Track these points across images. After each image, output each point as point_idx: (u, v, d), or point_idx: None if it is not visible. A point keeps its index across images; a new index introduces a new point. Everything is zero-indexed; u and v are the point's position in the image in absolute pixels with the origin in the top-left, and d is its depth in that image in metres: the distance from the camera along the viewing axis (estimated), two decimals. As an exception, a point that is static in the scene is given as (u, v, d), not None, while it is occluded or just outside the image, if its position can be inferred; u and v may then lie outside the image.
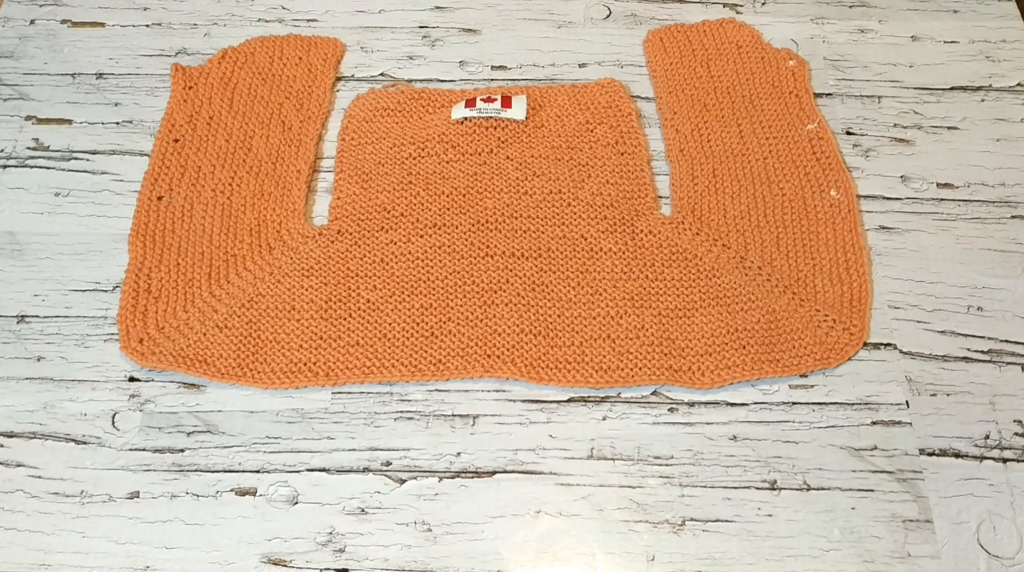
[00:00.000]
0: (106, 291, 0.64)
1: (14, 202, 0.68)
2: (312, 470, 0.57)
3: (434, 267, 0.64)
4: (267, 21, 0.80)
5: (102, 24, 0.79)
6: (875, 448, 0.57)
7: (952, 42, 0.77)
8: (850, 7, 0.80)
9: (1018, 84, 0.75)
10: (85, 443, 0.58)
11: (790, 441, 0.58)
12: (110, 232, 0.67)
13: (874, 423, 0.58)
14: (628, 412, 0.59)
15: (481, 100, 0.71)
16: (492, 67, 0.77)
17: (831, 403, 0.59)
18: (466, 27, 0.79)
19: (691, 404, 0.59)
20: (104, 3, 0.81)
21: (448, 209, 0.67)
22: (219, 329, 0.61)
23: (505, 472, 0.57)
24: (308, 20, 0.80)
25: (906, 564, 0.53)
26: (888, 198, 0.68)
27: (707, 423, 0.59)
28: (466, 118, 0.71)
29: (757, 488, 0.56)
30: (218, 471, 0.57)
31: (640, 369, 0.60)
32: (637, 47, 0.78)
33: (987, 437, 0.58)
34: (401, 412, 0.59)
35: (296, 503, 0.56)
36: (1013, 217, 0.67)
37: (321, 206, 0.69)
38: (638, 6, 0.81)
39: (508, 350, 0.60)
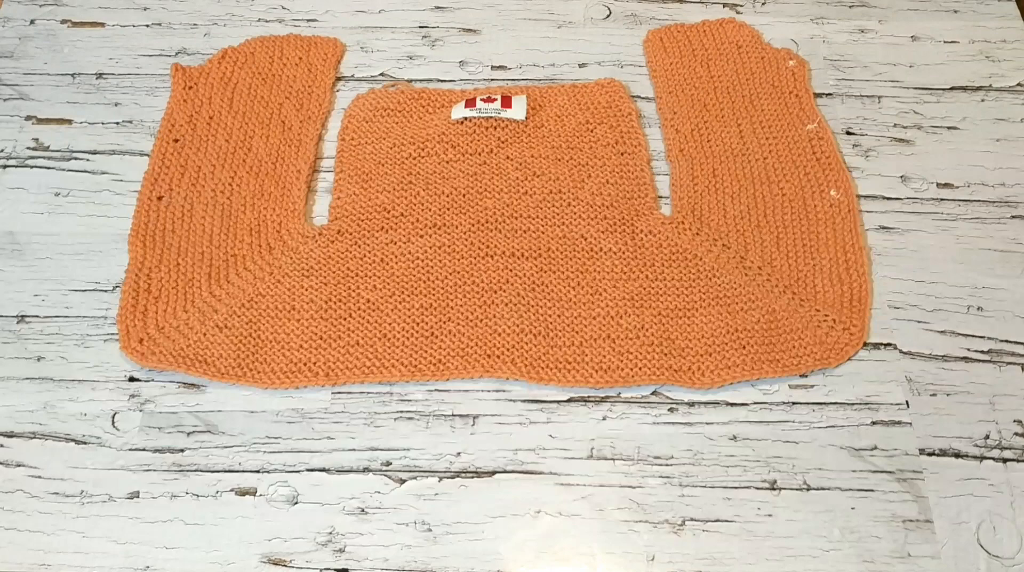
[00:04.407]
0: (106, 291, 0.64)
1: (14, 202, 0.68)
2: (312, 470, 0.57)
3: (434, 267, 0.64)
4: (267, 21, 0.80)
5: (102, 24, 0.79)
6: (875, 448, 0.57)
7: (952, 42, 0.77)
8: (850, 7, 0.80)
9: (1018, 84, 0.75)
10: (85, 443, 0.58)
11: (790, 441, 0.58)
12: (110, 232, 0.67)
13: (874, 423, 0.58)
14: (628, 412, 0.59)
15: (481, 100, 0.71)
16: (492, 67, 0.77)
17: (831, 403, 0.59)
18: (466, 27, 0.79)
19: (691, 404, 0.59)
20: (104, 3, 0.81)
21: (448, 209, 0.67)
22: (219, 329, 0.61)
23: (505, 472, 0.57)
24: (308, 20, 0.80)
25: (906, 564, 0.53)
26: (888, 198, 0.68)
27: (707, 423, 0.59)
28: (466, 118, 0.71)
29: (757, 488, 0.56)
30: (218, 471, 0.57)
31: (640, 369, 0.60)
32: (637, 47, 0.78)
33: (987, 437, 0.58)
34: (401, 412, 0.59)
35: (296, 503, 0.56)
36: (1013, 217, 0.67)
37: (321, 206, 0.69)
38: (638, 6, 0.81)
39: (508, 350, 0.60)
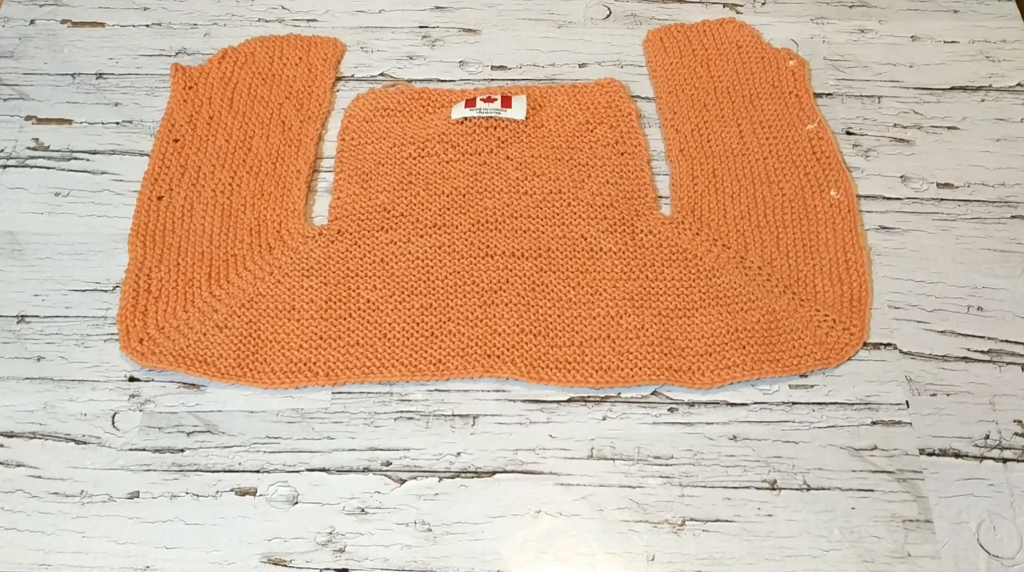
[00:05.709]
0: (106, 291, 0.64)
1: (14, 202, 0.68)
2: (312, 470, 0.57)
3: (434, 267, 0.64)
4: (267, 21, 0.80)
5: (102, 24, 0.79)
6: (875, 448, 0.57)
7: (952, 42, 0.77)
8: (850, 7, 0.80)
9: (1018, 84, 0.75)
10: (85, 443, 0.58)
11: (790, 441, 0.58)
12: (110, 232, 0.67)
13: (874, 423, 0.58)
14: (628, 412, 0.59)
15: (481, 100, 0.71)
16: (492, 67, 0.77)
17: (831, 403, 0.59)
18: (466, 27, 0.79)
19: (691, 404, 0.59)
20: (104, 3, 0.81)
21: (448, 209, 0.67)
22: (219, 329, 0.61)
23: (505, 472, 0.57)
24: (308, 20, 0.80)
25: (906, 564, 0.53)
26: (888, 198, 0.68)
27: (707, 423, 0.59)
28: (466, 118, 0.71)
29: (757, 488, 0.56)
30: (218, 471, 0.57)
31: (640, 369, 0.60)
32: (637, 47, 0.78)
33: (987, 437, 0.58)
34: (401, 412, 0.59)
35: (296, 503, 0.56)
36: (1013, 217, 0.67)
37: (321, 206, 0.69)
38: (638, 6, 0.81)
39: (508, 350, 0.60)
